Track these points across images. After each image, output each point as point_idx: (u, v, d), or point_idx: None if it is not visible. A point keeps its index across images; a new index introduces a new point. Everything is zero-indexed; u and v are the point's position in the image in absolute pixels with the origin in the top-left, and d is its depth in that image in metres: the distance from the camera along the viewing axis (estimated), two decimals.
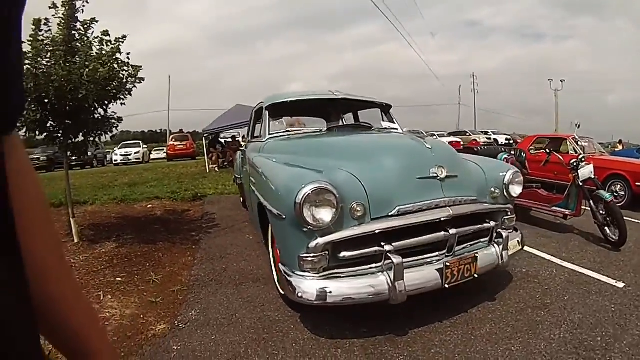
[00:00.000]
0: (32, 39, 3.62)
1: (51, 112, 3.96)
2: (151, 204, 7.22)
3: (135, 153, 20.41)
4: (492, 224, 2.74)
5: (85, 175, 12.20)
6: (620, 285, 3.15)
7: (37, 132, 4.12)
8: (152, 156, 24.59)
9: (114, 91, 4.20)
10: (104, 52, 3.90)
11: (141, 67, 4.42)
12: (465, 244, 2.66)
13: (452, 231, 2.42)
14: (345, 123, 4.22)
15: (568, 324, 2.52)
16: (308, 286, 2.19)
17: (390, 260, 2.22)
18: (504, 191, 2.90)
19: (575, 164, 4.56)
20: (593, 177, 4.48)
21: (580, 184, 4.46)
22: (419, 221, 2.32)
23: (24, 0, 0.39)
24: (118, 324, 2.70)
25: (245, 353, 2.22)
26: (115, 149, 21.96)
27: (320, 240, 2.16)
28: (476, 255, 2.53)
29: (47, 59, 3.81)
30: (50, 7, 3.90)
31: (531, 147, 8.65)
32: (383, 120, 4.28)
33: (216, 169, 13.17)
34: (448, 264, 2.39)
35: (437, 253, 2.46)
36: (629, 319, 2.59)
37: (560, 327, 2.48)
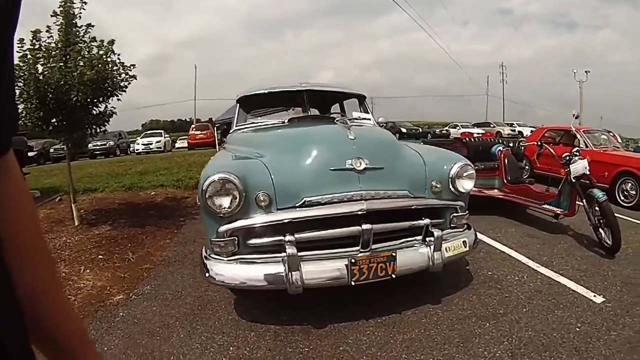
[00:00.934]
0: (31, 47, 4.23)
1: (52, 111, 4.59)
2: (155, 191, 7.88)
3: (157, 142, 21.51)
4: (426, 221, 2.61)
5: (105, 164, 13.14)
6: (599, 300, 2.85)
7: (44, 128, 4.78)
8: (177, 145, 25.76)
9: (109, 89, 4.80)
10: (93, 56, 4.48)
11: (134, 65, 5.00)
12: (394, 241, 2.58)
13: (366, 226, 2.35)
14: (310, 114, 4.08)
15: (512, 342, 2.29)
16: (215, 268, 2.39)
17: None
18: (450, 186, 2.75)
19: (567, 158, 4.28)
20: (588, 173, 4.12)
21: (573, 180, 4.16)
22: (325, 213, 2.34)
23: (15, 24, 0.40)
24: (88, 293, 3.27)
25: (172, 324, 2.64)
26: (137, 138, 23.24)
27: (226, 227, 2.34)
28: (393, 254, 2.43)
29: (45, 64, 4.43)
30: (51, 15, 4.52)
31: (540, 140, 8.46)
32: (363, 112, 4.34)
33: None
34: (354, 260, 2.35)
35: (348, 248, 2.43)
36: (593, 343, 2.26)
37: (500, 345, 2.27)
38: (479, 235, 4.25)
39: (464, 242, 2.79)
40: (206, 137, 21.09)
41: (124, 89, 5.00)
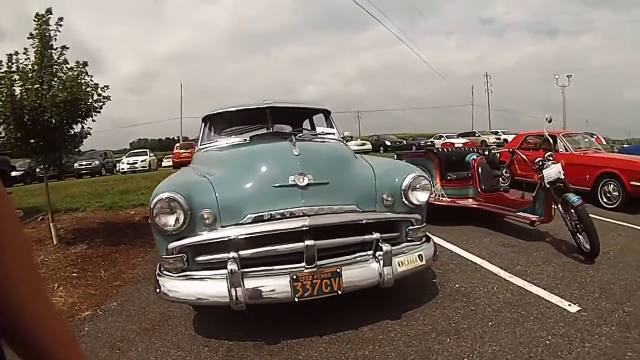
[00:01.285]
0: (7, 69, 4.41)
1: (29, 132, 4.74)
2: (135, 210, 7.97)
3: (142, 161, 21.60)
4: (375, 235, 2.59)
5: (89, 184, 13.17)
6: (574, 309, 2.74)
7: (22, 148, 4.93)
8: (163, 164, 25.80)
9: (83, 110, 4.97)
10: (66, 78, 4.66)
11: (107, 86, 5.19)
12: (345, 257, 2.58)
13: (309, 242, 2.36)
14: (272, 131, 4.01)
15: (472, 359, 2.22)
16: (168, 284, 2.46)
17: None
18: (403, 198, 2.73)
19: (540, 163, 4.20)
20: (562, 177, 4.05)
21: (547, 185, 4.10)
22: (266, 230, 2.39)
23: None
24: (59, 307, 3.38)
25: (132, 338, 2.75)
26: (122, 157, 23.29)
27: (174, 244, 2.42)
28: (338, 270, 2.43)
29: (20, 87, 4.59)
30: (28, 38, 4.71)
31: (521, 147, 8.14)
32: (328, 127, 4.39)
33: None
34: (296, 276, 2.36)
35: (294, 265, 2.45)
36: (564, 357, 2.17)
37: None
38: (451, 247, 4.43)
39: (420, 256, 2.73)
40: (190, 156, 21.12)
41: (98, 110, 5.18)
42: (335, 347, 2.44)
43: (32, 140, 4.83)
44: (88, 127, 5.32)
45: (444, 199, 5.75)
